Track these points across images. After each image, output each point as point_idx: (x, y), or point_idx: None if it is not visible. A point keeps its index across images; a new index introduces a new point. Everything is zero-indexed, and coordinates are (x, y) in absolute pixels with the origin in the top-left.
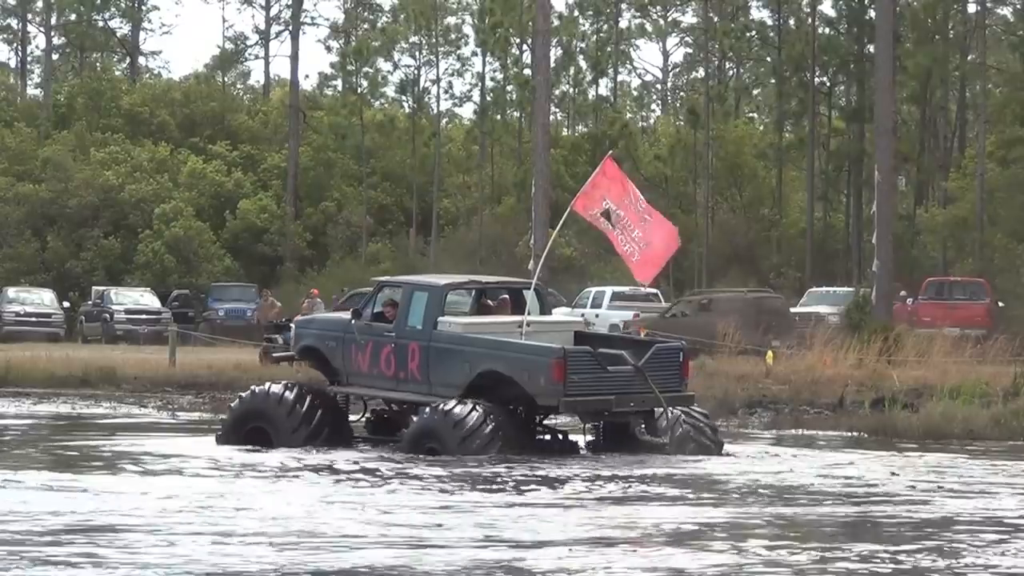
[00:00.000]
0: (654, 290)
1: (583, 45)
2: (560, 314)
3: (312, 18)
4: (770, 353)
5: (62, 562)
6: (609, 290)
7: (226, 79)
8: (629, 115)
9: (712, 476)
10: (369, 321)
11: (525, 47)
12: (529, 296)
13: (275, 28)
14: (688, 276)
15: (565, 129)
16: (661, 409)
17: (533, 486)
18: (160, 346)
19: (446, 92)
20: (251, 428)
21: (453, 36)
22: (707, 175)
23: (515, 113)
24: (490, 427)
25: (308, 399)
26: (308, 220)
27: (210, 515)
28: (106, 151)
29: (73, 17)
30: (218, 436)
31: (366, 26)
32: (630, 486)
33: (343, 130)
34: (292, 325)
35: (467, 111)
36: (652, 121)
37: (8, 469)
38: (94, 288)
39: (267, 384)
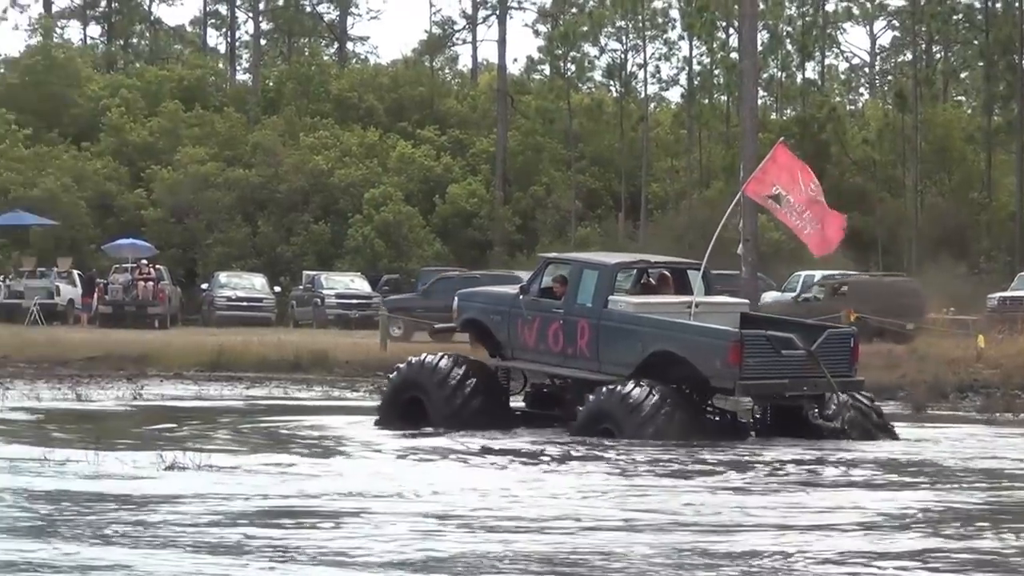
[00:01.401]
0: (864, 274)
1: (790, 28)
2: (769, 298)
3: (519, 2)
4: (981, 337)
5: (275, 546)
6: (818, 274)
7: (434, 64)
8: (837, 98)
9: (908, 459)
10: (536, 297)
11: (732, 30)
12: (696, 277)
13: (482, 12)
14: (897, 260)
15: (773, 113)
16: (832, 394)
17: (721, 469)
18: (371, 330)
19: (653, 76)
20: (408, 398)
21: (660, 20)
22: (916, 159)
23: (722, 97)
24: (666, 409)
25: (466, 371)
26: (517, 204)
27: (407, 500)
28: (315, 136)
29: (281, 2)
30: (378, 408)
31: (573, 10)
32: (822, 470)
33: (551, 114)
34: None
35: (674, 95)
36: (860, 104)
37: (220, 452)
38: (305, 273)
39: (425, 355)
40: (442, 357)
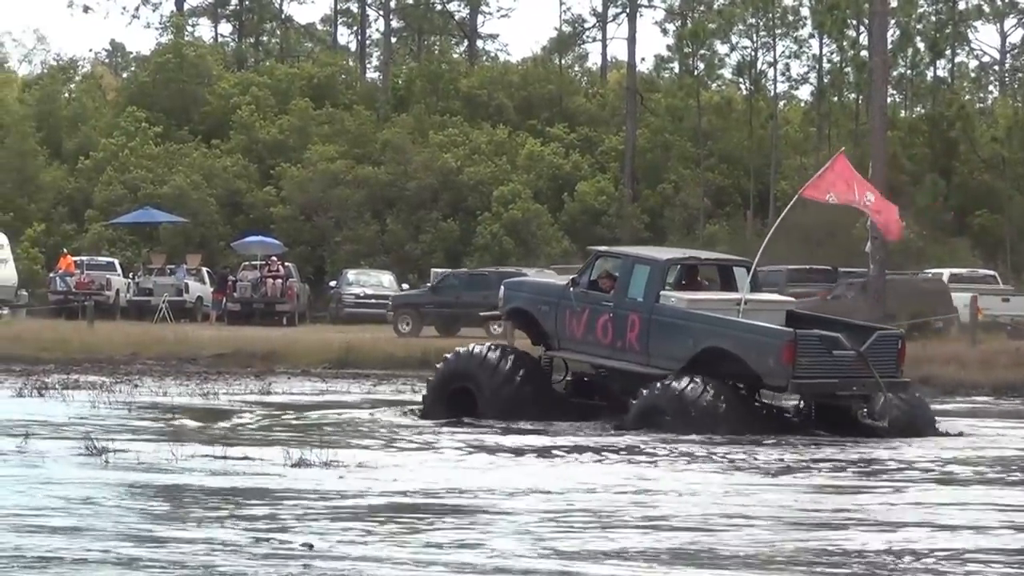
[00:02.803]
0: (992, 272)
1: (921, 26)
2: None
3: (649, 0)
4: None
5: (402, 544)
6: (946, 272)
7: (563, 61)
8: (967, 96)
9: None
10: (585, 289)
11: (862, 28)
12: (742, 275)
13: (612, 10)
14: None
15: (902, 111)
16: (880, 394)
17: (819, 467)
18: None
19: (783, 74)
20: (456, 388)
21: (790, 18)
22: None
23: (852, 95)
24: (720, 405)
25: (515, 361)
26: (645, 202)
27: (519, 496)
28: (444, 134)
29: (411, 1)
30: (423, 398)
31: (703, 8)
32: (933, 469)
33: (680, 112)
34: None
35: (804, 93)
36: (989, 102)
37: (346, 449)
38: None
39: (472, 345)
40: (491, 347)
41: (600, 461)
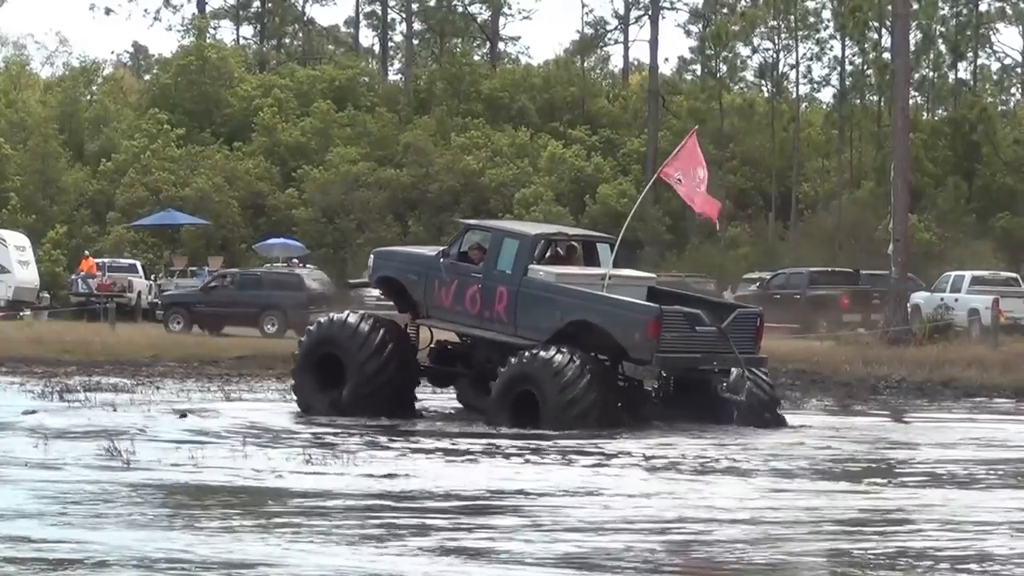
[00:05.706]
0: (1014, 274)
1: (942, 29)
2: (919, 298)
3: (672, 2)
4: None
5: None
6: (968, 275)
7: (585, 64)
8: (989, 99)
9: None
10: (455, 260)
11: (884, 31)
12: (605, 250)
13: (634, 13)
14: None
15: (924, 113)
16: (738, 369)
17: (764, 468)
18: None
19: (805, 76)
20: (324, 354)
21: (812, 20)
22: None
23: (874, 97)
24: (586, 375)
25: (379, 329)
26: (667, 205)
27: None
28: (466, 136)
29: (433, 3)
30: (294, 361)
31: (725, 10)
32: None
33: (702, 115)
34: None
35: (826, 95)
36: (1012, 105)
37: (362, 450)
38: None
39: (341, 313)
40: (357, 316)
41: (596, 466)
